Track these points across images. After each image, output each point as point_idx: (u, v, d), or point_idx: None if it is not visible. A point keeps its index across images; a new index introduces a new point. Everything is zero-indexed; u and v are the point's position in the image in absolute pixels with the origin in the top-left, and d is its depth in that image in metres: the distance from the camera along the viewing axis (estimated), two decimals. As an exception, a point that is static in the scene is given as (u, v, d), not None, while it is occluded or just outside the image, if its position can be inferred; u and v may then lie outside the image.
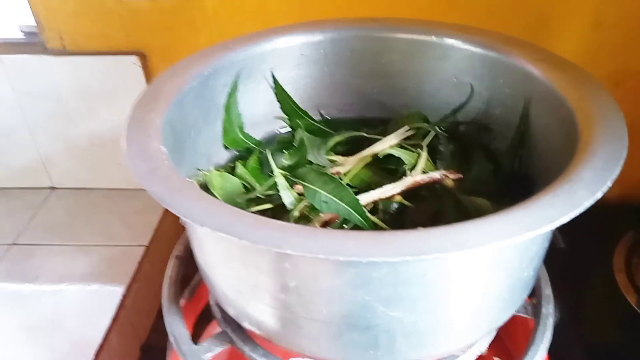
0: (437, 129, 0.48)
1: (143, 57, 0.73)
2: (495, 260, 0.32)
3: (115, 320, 0.64)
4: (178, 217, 0.43)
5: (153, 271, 0.72)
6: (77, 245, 0.75)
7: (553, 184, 0.31)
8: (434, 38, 0.49)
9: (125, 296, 0.67)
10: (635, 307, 0.61)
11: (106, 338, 0.62)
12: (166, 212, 0.80)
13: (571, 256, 0.70)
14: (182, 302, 0.50)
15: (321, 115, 0.54)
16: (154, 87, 0.43)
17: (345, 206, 0.36)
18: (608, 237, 0.71)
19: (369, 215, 0.37)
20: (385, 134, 0.48)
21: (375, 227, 0.38)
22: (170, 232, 0.75)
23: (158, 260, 0.69)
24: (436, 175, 0.41)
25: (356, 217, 0.36)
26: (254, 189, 0.43)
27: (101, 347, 0.61)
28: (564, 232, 0.74)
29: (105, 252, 0.74)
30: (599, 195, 0.29)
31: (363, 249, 0.27)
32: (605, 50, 0.69)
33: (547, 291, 0.44)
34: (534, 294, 0.46)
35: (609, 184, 0.30)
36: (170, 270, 0.48)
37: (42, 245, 0.75)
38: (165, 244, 0.61)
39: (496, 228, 0.28)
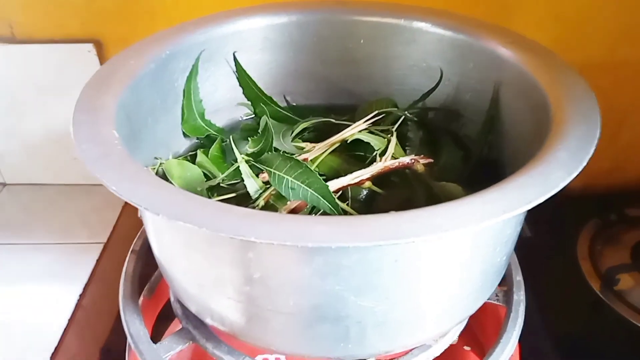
0: (407, 114, 0.47)
1: (99, 46, 0.70)
2: (469, 244, 0.31)
3: (71, 321, 0.61)
4: (137, 213, 0.40)
5: (112, 269, 0.70)
6: (31, 244, 0.71)
7: (527, 166, 0.30)
8: (402, 21, 0.48)
9: (82, 296, 0.64)
10: (599, 293, 0.62)
11: (62, 340, 0.59)
12: (125, 208, 0.77)
13: (537, 245, 0.71)
14: (142, 299, 0.47)
15: (287, 101, 0.52)
16: (106, 69, 0.40)
17: (314, 192, 0.35)
18: (572, 225, 0.73)
19: (338, 202, 0.35)
20: (353, 120, 0.46)
21: (345, 214, 0.36)
22: (130, 228, 0.73)
23: (117, 258, 0.67)
24: (406, 160, 0.39)
25: (325, 204, 0.34)
26: (215, 178, 0.41)
27: (57, 350, 0.58)
28: (529, 221, 0.75)
29: (61, 250, 0.70)
30: (574, 174, 0.28)
31: (333, 235, 0.25)
32: (565, 42, 0.69)
33: (518, 277, 0.44)
34: (505, 280, 0.45)
35: (584, 163, 0.29)
36: (128, 265, 0.46)
37: (-6, 245, 0.71)
38: (124, 241, 0.59)
39: (471, 210, 0.26)
